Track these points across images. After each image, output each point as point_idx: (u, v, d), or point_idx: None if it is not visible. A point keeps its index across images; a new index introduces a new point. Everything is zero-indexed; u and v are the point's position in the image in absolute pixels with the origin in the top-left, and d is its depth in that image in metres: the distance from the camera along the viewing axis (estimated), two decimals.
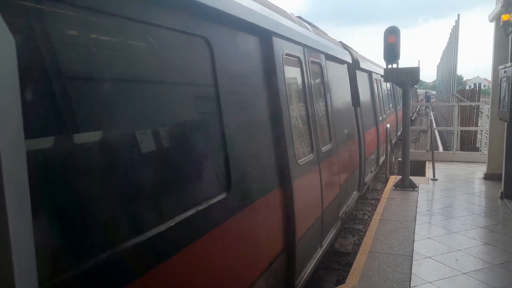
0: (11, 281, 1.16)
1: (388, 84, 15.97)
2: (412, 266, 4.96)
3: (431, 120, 11.92)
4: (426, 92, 57.71)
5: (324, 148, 5.42)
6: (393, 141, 13.95)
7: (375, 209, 8.36)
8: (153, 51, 2.34)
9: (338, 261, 6.94)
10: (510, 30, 7.21)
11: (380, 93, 13.28)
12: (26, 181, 1.25)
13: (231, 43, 3.15)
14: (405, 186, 8.68)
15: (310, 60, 5.14)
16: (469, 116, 17.03)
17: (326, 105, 5.93)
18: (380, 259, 5.21)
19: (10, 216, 1.14)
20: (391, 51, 8.48)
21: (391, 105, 17.09)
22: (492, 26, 8.73)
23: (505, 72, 5.84)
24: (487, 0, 8.86)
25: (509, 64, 5.76)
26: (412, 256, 5.26)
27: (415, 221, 6.59)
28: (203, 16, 2.68)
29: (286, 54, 4.19)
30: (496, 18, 8.04)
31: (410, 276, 4.72)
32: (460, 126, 13.61)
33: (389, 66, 8.59)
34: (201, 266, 2.48)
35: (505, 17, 7.09)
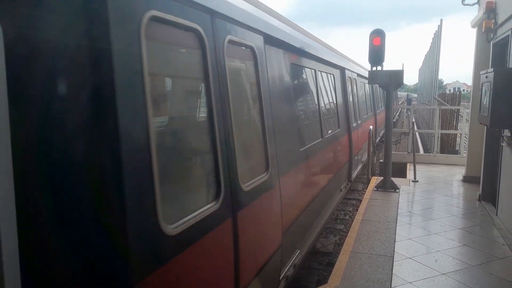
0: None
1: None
2: (393, 267, 5.02)
3: (413, 122, 12.11)
4: (407, 94, 58.64)
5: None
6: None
7: (356, 209, 8.45)
8: None
9: (319, 261, 6.97)
10: (492, 36, 7.37)
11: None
12: (11, 181, 1.22)
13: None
14: (387, 187, 8.80)
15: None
16: (449, 119, 17.37)
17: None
18: (362, 259, 5.25)
19: None
20: (376, 54, 8.57)
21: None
22: (474, 32, 8.92)
23: (486, 77, 5.96)
24: (469, 6, 9.03)
25: (490, 69, 5.88)
26: (393, 256, 5.33)
27: (396, 222, 6.68)
28: None
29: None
30: (478, 25, 8.21)
31: (391, 276, 4.78)
32: (441, 129, 13.87)
33: (374, 68, 8.69)
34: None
35: (487, 23, 7.24)
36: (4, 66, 1.14)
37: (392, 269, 4.95)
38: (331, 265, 6.38)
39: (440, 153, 12.99)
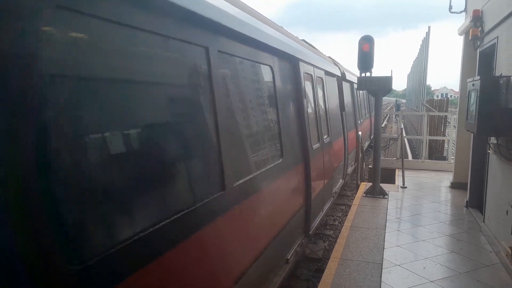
0: None
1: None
2: (382, 274, 5.01)
3: (401, 128, 12.18)
4: (396, 100, 59.22)
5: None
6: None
7: (345, 215, 8.45)
8: None
9: (308, 267, 6.94)
10: (478, 44, 7.46)
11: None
12: None
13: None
14: (376, 193, 8.82)
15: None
16: (437, 125, 17.55)
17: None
18: (351, 266, 5.23)
19: None
20: (365, 60, 8.62)
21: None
22: (461, 39, 9.03)
23: (473, 85, 6.01)
24: (457, 14, 9.15)
25: (477, 77, 5.94)
26: (382, 264, 5.32)
27: (385, 229, 6.69)
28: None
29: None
30: (465, 32, 8.31)
31: (380, 284, 4.77)
32: (429, 135, 14.00)
33: (363, 74, 8.73)
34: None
35: (473, 31, 7.33)
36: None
37: (381, 277, 4.94)
38: (320, 271, 6.35)
39: (429, 159, 13.11)
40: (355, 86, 12.83)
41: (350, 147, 11.24)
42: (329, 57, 11.28)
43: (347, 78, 11.84)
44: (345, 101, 10.88)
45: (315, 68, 7.29)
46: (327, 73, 8.60)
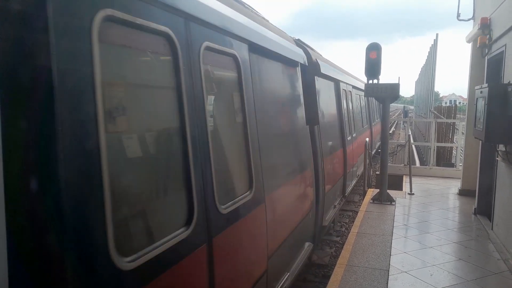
0: None
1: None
2: (389, 281, 5.01)
3: (409, 135, 12.16)
4: (404, 107, 58.97)
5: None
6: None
7: (352, 221, 8.44)
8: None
9: (315, 273, 6.94)
10: (486, 51, 7.47)
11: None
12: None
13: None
14: (383, 199, 8.81)
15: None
16: (445, 132, 17.48)
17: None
18: (357, 273, 5.24)
19: None
20: (372, 67, 8.65)
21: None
22: (469, 46, 9.03)
23: (481, 92, 6.02)
24: (465, 21, 9.17)
25: (485, 85, 5.95)
26: (388, 270, 5.32)
27: (392, 235, 6.68)
28: None
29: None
30: (473, 40, 8.32)
31: None
32: (437, 142, 13.94)
33: (370, 81, 8.76)
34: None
35: (481, 39, 7.34)
36: None
37: (387, 283, 4.94)
38: (326, 277, 6.35)
39: (436, 165, 13.05)
40: (346, 88, 10.05)
41: (351, 160, 9.42)
42: (298, 39, 6.93)
43: (325, 72, 7.36)
44: (321, 107, 6.92)
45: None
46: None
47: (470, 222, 7.60)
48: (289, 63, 5.33)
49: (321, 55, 8.68)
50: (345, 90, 9.72)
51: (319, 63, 6.88)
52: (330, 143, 7.49)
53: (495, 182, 6.56)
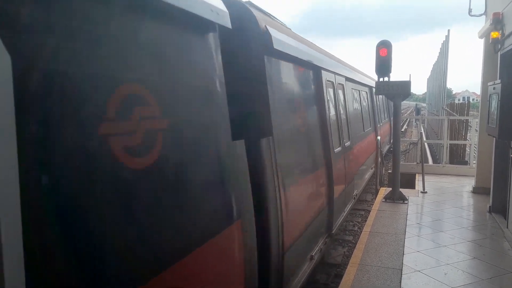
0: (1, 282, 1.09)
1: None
2: (402, 280, 4.97)
3: (421, 133, 12.04)
4: (416, 104, 58.36)
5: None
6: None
7: (365, 220, 8.40)
8: None
9: (328, 272, 6.93)
10: (499, 47, 7.36)
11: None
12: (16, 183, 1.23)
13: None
14: (395, 198, 8.74)
15: None
16: (458, 129, 17.26)
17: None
18: (370, 272, 5.22)
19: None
20: (383, 65, 8.59)
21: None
22: (481, 42, 8.91)
23: (494, 88, 5.94)
24: (476, 17, 9.04)
25: (498, 81, 5.87)
26: (401, 269, 5.28)
27: (405, 234, 6.63)
28: None
29: None
30: (486, 35, 8.20)
31: None
32: (450, 140, 13.76)
33: (381, 79, 8.70)
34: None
35: (494, 34, 7.23)
36: (12, 95, 1.19)
37: (400, 283, 4.91)
38: (339, 276, 6.33)
39: (449, 163, 12.89)
40: (335, 79, 7.20)
41: (340, 180, 6.78)
42: (248, 1, 4.47)
43: (287, 50, 4.56)
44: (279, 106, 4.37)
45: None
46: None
47: (485, 221, 7.49)
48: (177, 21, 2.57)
49: (285, 26, 5.54)
50: (332, 83, 6.90)
51: (272, 33, 4.07)
52: (298, 163, 4.89)
53: (510, 179, 6.47)
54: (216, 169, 2.92)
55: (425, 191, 9.62)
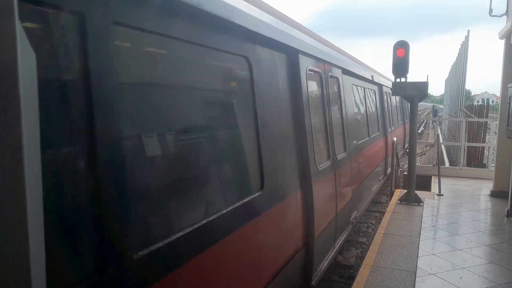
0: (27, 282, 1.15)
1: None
2: (416, 283, 4.92)
3: (438, 135, 11.85)
4: (433, 106, 57.45)
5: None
6: None
7: (379, 222, 8.33)
8: None
9: (340, 274, 6.90)
10: None
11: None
12: (40, 184, 1.27)
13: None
14: (410, 200, 8.64)
15: None
16: (476, 131, 16.93)
17: None
18: (383, 274, 5.17)
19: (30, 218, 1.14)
20: (400, 65, 8.49)
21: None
22: (502, 43, 8.73)
23: None
24: (497, 17, 8.86)
25: None
26: (415, 272, 5.22)
27: (420, 237, 6.55)
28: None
29: None
30: (507, 36, 8.04)
31: None
32: (468, 142, 13.52)
33: (398, 80, 8.60)
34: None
35: None
36: (37, 93, 1.21)
37: (414, 285, 4.85)
38: (352, 278, 6.30)
39: (467, 166, 12.67)
40: (325, 69, 5.43)
41: (324, 211, 5.02)
42: None
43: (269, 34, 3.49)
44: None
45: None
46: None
47: (502, 225, 7.34)
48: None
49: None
50: (318, 74, 5.16)
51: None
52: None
53: None
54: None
55: (441, 193, 9.47)
